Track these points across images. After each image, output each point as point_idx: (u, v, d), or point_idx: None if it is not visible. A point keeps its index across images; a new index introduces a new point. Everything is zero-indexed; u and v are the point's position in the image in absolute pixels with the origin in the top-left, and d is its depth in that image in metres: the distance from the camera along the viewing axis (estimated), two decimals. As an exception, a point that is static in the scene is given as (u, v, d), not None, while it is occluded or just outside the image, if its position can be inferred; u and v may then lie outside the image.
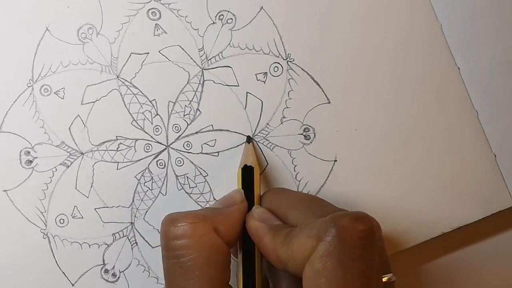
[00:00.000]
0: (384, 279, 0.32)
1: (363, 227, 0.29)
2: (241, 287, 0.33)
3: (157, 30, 0.38)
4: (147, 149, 0.39)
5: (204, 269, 0.31)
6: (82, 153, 0.39)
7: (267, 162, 0.39)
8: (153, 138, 0.39)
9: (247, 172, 0.36)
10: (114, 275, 0.39)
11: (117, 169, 0.39)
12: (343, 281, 0.29)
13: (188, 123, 0.39)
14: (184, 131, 0.39)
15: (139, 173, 0.39)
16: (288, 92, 0.39)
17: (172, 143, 0.39)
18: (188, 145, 0.39)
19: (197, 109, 0.39)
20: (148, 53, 0.38)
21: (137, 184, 0.39)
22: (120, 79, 0.39)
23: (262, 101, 0.39)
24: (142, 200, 0.39)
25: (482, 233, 0.41)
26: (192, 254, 0.31)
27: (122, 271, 0.39)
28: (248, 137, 0.39)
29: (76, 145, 0.38)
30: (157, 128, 0.39)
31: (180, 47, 0.39)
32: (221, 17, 0.39)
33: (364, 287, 0.29)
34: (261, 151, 0.39)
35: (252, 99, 0.39)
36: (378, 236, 0.35)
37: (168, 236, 0.32)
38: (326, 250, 0.29)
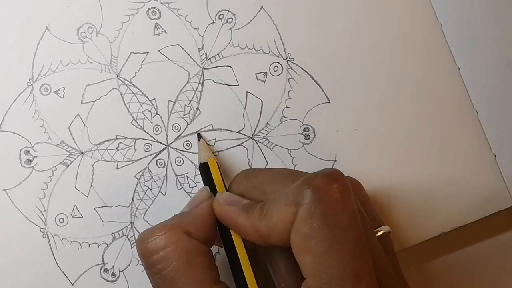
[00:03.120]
0: (379, 234, 0.33)
1: (337, 183, 0.30)
2: (232, 276, 0.33)
3: (157, 30, 0.39)
4: (147, 149, 0.39)
5: (188, 274, 0.31)
6: (82, 153, 0.39)
7: (267, 162, 0.39)
8: (153, 138, 0.39)
9: (204, 169, 0.36)
10: (113, 274, 0.39)
11: (117, 168, 0.39)
12: (332, 238, 0.29)
13: (188, 122, 0.39)
14: (184, 130, 0.39)
15: (139, 172, 0.39)
16: (288, 92, 0.39)
17: (172, 142, 0.39)
18: (188, 145, 0.39)
19: (197, 108, 0.39)
20: (148, 52, 0.39)
21: (137, 184, 0.39)
22: (120, 78, 0.39)
23: (262, 101, 0.39)
24: (141, 199, 0.39)
25: (482, 233, 0.41)
26: (172, 264, 0.31)
27: (122, 271, 0.39)
28: (198, 134, 0.39)
29: (76, 144, 0.38)
30: (157, 127, 0.39)
31: (180, 46, 0.39)
32: (221, 16, 0.39)
33: (355, 239, 0.29)
34: (261, 150, 0.39)
35: (252, 99, 0.39)
36: (361, 193, 0.35)
37: (145, 254, 0.32)
38: (308, 213, 0.29)
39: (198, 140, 0.38)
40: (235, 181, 0.36)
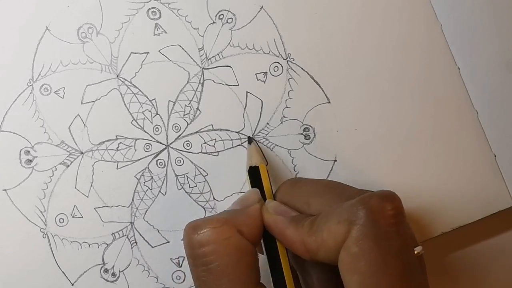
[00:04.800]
0: (415, 253, 0.32)
1: (392, 205, 0.29)
2: (272, 284, 0.33)
3: (157, 30, 0.39)
4: (147, 149, 0.39)
5: (235, 272, 0.31)
6: (82, 153, 0.39)
7: (267, 161, 0.39)
8: (153, 138, 0.39)
9: (254, 173, 0.36)
10: (113, 274, 0.39)
11: (117, 168, 0.39)
12: (383, 261, 0.29)
13: (188, 122, 0.39)
14: (184, 130, 0.39)
15: (139, 172, 0.39)
16: (288, 92, 0.39)
17: (172, 142, 0.39)
18: (188, 145, 0.39)
19: (197, 108, 0.39)
20: (148, 52, 0.39)
21: (137, 184, 0.39)
22: (120, 78, 0.39)
23: (262, 101, 0.39)
24: (141, 199, 0.39)
25: (482, 233, 0.41)
26: (221, 259, 0.31)
27: (122, 271, 0.39)
28: (249, 137, 0.39)
29: (76, 144, 0.39)
30: (157, 127, 0.39)
31: (180, 46, 0.39)
32: (221, 16, 0.39)
33: (404, 263, 0.29)
34: (261, 150, 0.39)
35: (252, 99, 0.39)
36: None
37: (193, 244, 0.31)
38: (361, 233, 0.29)
39: (249, 143, 0.38)
40: (281, 190, 0.36)
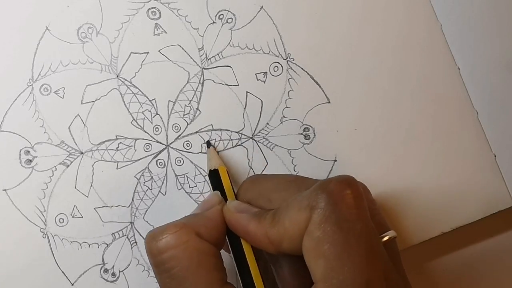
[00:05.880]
0: (385, 239, 0.33)
1: (351, 189, 0.30)
2: (241, 284, 0.33)
3: (157, 30, 0.39)
4: (147, 149, 0.39)
5: (197, 274, 0.31)
6: (82, 153, 0.39)
7: (267, 162, 0.39)
8: (153, 138, 0.39)
9: (214, 176, 0.36)
10: (113, 274, 0.39)
11: (117, 168, 0.39)
12: (346, 243, 0.29)
13: (188, 122, 0.39)
14: (184, 130, 0.39)
15: (139, 172, 0.39)
16: (288, 92, 0.39)
17: (172, 142, 0.39)
18: (188, 145, 0.39)
19: (197, 108, 0.39)
20: (148, 52, 0.39)
21: (137, 184, 0.39)
22: (120, 78, 0.39)
23: (262, 101, 0.39)
24: (141, 199, 0.39)
25: (482, 233, 0.41)
26: (181, 263, 0.31)
27: (122, 271, 0.39)
28: (207, 142, 0.39)
29: (76, 144, 0.38)
30: (157, 127, 0.39)
31: (180, 46, 0.39)
32: (221, 16, 0.39)
33: (368, 245, 0.29)
34: (261, 150, 0.39)
35: (252, 99, 0.39)
36: (369, 198, 0.35)
37: (153, 252, 0.32)
38: (323, 216, 0.29)
39: (208, 147, 0.38)
40: (242, 188, 0.36)
